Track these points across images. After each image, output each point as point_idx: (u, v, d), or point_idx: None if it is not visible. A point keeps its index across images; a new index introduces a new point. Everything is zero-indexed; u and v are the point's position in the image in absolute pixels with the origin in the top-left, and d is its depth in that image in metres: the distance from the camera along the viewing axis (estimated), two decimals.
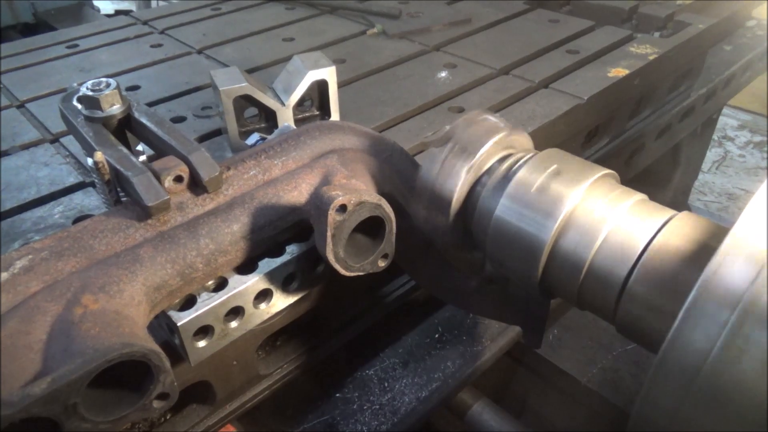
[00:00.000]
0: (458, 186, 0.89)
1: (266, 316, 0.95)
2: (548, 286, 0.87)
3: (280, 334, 1.15)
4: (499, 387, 1.74)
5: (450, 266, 1.12)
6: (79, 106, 0.94)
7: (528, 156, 0.91)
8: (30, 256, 0.76)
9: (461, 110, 1.43)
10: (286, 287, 0.95)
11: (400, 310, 1.35)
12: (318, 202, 0.84)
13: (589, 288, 0.81)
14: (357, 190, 0.85)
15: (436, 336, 1.37)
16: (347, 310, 1.24)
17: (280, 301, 0.95)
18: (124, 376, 0.68)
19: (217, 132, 1.39)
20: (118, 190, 0.88)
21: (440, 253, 1.07)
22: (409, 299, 1.36)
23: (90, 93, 0.93)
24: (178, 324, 0.83)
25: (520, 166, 0.88)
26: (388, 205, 0.87)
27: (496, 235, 0.88)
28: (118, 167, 0.84)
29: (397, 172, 1.03)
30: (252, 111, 1.31)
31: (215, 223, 0.86)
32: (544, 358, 1.58)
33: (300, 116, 1.33)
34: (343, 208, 0.82)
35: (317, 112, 1.35)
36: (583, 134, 1.56)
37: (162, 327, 0.88)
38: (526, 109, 1.43)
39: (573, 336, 1.64)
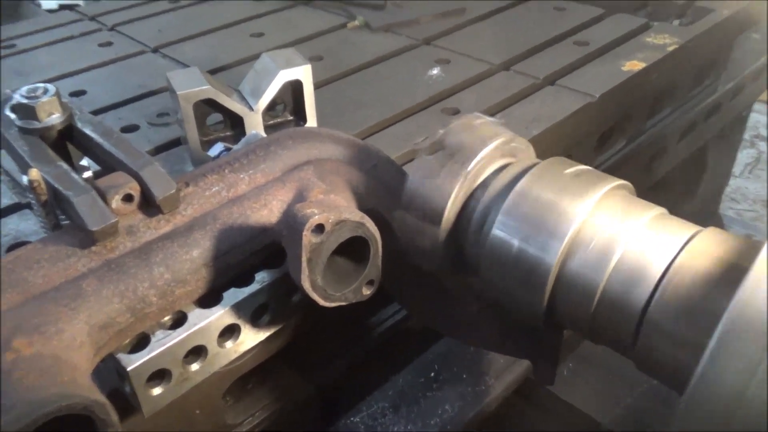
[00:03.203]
0: (450, 200, 0.89)
1: (234, 356, 0.94)
2: (556, 317, 0.87)
3: (252, 377, 1.14)
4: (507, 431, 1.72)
5: (445, 292, 1.11)
6: (13, 116, 0.93)
7: (528, 165, 0.91)
8: None
9: (456, 112, 1.44)
10: (256, 321, 0.94)
11: (389, 345, 1.34)
12: (291, 222, 0.83)
13: (602, 318, 0.81)
14: (336, 207, 0.85)
15: (432, 374, 1.36)
16: (328, 346, 1.23)
17: (250, 337, 0.95)
18: (69, 429, 0.67)
19: (176, 142, 1.39)
20: (58, 212, 0.88)
21: (434, 276, 1.06)
22: (400, 332, 1.35)
23: (24, 101, 0.92)
24: (129, 368, 0.81)
25: (520, 178, 0.88)
26: (373, 224, 0.87)
27: (492, 257, 0.88)
28: (57, 186, 0.84)
29: (383, 185, 1.03)
30: (216, 117, 1.31)
31: (172, 248, 0.85)
32: (558, 396, 1.58)
33: (271, 122, 1.33)
34: (320, 227, 0.81)
35: (291, 118, 1.35)
36: (596, 137, 1.57)
37: (110, 372, 0.87)
38: (529, 109, 1.44)
39: (591, 370, 1.64)
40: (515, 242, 0.85)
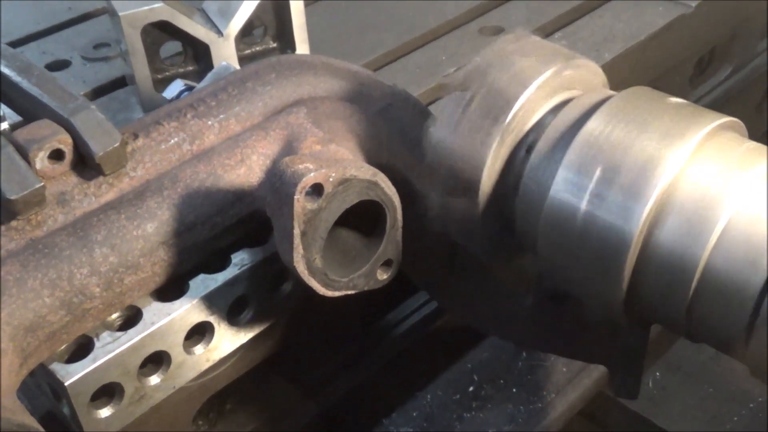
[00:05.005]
0: (489, 156, 0.88)
1: (205, 365, 0.94)
2: (639, 307, 0.86)
3: (231, 394, 1.15)
4: None
5: (491, 278, 1.11)
6: None
7: (599, 100, 0.89)
8: None
9: (499, 31, 1.43)
10: (234, 319, 0.95)
11: (413, 351, 1.36)
12: (277, 182, 0.83)
13: (704, 307, 0.80)
14: (339, 161, 0.84)
15: (471, 389, 1.36)
16: (331, 353, 1.24)
17: (227, 340, 0.95)
18: None
19: (120, 82, 1.39)
20: None
21: (474, 256, 1.06)
22: (427, 333, 1.36)
23: None
24: (66, 383, 0.82)
25: (587, 117, 0.87)
26: (389, 183, 0.86)
27: (551, 229, 0.87)
28: None
29: (401, 132, 1.02)
30: (173, 47, 1.31)
31: (118, 222, 0.85)
32: (642, 416, 1.58)
33: (247, 52, 1.33)
34: (317, 189, 0.81)
35: (274, 45, 1.35)
36: (692, 63, 1.56)
37: (42, 389, 0.87)
38: (599, 25, 1.43)
39: (684, 381, 1.63)
40: (582, 207, 0.83)
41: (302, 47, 1.34)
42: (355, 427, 1.33)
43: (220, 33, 1.28)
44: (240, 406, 1.17)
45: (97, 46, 1.48)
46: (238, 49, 1.30)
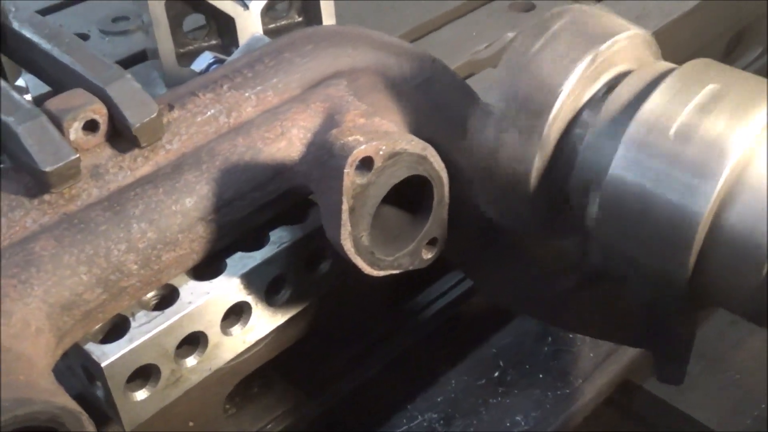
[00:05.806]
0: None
1: (242, 347, 0.93)
2: (703, 289, 0.83)
3: (257, 377, 1.13)
4: None
5: (527, 257, 1.10)
6: None
7: (660, 72, 0.87)
8: None
9: (530, 8, 1.42)
10: (271, 299, 0.94)
11: (436, 334, 1.34)
12: (324, 155, 0.81)
13: None
14: (387, 134, 0.82)
15: (496, 374, 1.35)
16: (360, 335, 1.23)
17: (263, 321, 0.94)
18: None
19: (141, 56, 1.38)
20: None
21: (516, 236, 1.05)
22: (453, 315, 1.35)
23: None
24: (103, 364, 0.80)
25: (649, 91, 0.84)
26: (438, 157, 0.85)
27: (610, 207, 0.84)
28: None
29: (441, 106, 1.01)
30: (196, 20, 1.30)
31: (155, 196, 0.84)
32: (669, 404, 1.56)
33: (272, 26, 1.32)
34: (367, 162, 0.79)
35: (299, 19, 1.33)
36: (722, 43, 1.55)
37: (75, 371, 0.86)
38: (630, 5, 1.41)
39: (710, 369, 1.62)
40: (645, 186, 0.80)
41: (329, 22, 1.33)
42: (381, 411, 1.31)
43: (245, 6, 1.27)
44: (265, 390, 1.17)
45: (116, 20, 1.47)
46: (263, 24, 1.29)
